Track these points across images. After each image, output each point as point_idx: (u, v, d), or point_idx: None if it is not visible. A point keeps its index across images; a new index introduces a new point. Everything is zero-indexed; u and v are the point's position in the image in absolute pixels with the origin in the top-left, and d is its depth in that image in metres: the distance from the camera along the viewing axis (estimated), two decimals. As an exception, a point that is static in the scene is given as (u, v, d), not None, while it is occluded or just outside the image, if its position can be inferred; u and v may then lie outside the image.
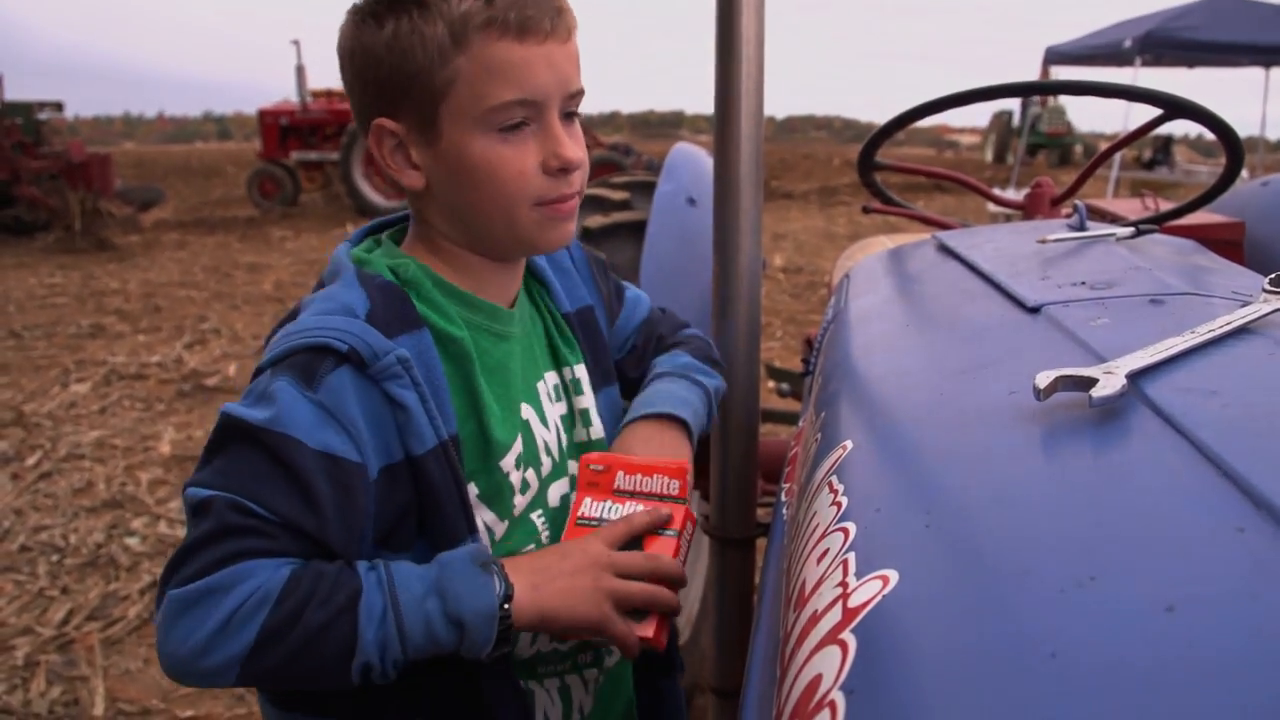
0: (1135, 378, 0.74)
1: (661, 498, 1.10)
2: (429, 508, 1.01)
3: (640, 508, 1.09)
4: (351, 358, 0.96)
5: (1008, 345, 0.95)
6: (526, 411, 1.14)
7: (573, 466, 1.19)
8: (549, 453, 1.17)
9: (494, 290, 1.14)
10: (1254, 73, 15.60)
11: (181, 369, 6.51)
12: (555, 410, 1.20)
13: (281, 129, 15.94)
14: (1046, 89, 1.93)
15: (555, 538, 1.14)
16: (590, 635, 1.03)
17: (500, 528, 1.09)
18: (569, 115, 1.08)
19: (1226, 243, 2.54)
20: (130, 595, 3.52)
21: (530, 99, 1.02)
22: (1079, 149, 23.69)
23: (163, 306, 8.68)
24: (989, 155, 24.22)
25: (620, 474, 1.11)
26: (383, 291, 1.04)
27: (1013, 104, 22.43)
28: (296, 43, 15.83)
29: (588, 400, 1.24)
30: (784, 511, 1.13)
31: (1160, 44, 13.29)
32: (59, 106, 14.54)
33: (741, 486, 1.56)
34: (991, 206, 12.39)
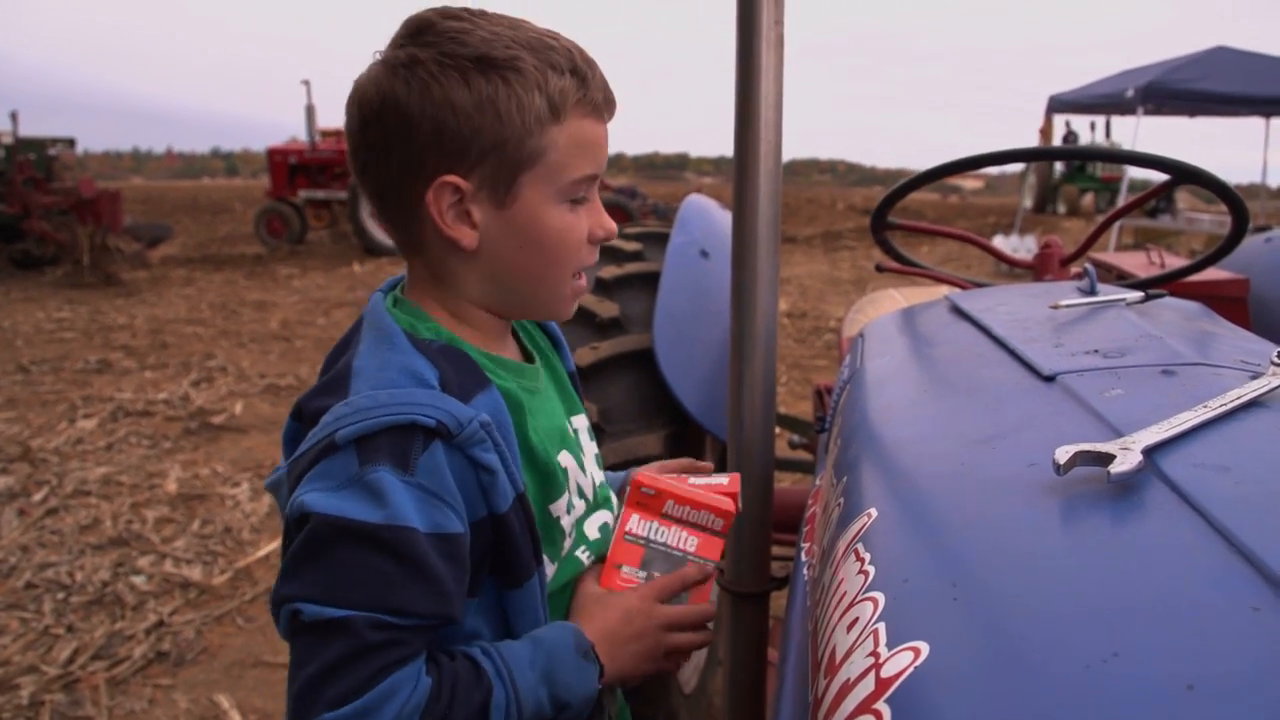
0: (1150, 453, 0.77)
1: (704, 529, 1.17)
2: (507, 555, 1.04)
3: (684, 534, 1.17)
4: (440, 432, 0.96)
5: (1025, 414, 0.98)
6: (565, 459, 1.17)
7: (602, 502, 1.25)
8: (582, 495, 1.20)
9: (505, 349, 1.18)
10: (1254, 122, 15.76)
11: (188, 406, 6.53)
12: (588, 451, 1.26)
13: (290, 168, 16.10)
14: (1060, 155, 1.97)
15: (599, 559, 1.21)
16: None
17: (552, 569, 1.13)
18: None
19: (1232, 299, 2.57)
20: (136, 635, 3.53)
21: (595, 174, 1.09)
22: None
23: (170, 343, 8.72)
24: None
25: (670, 502, 1.16)
26: (445, 355, 1.04)
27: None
28: (306, 83, 16.04)
29: (592, 448, 1.29)
30: (805, 572, 1.16)
31: (1162, 94, 13.48)
32: (71, 143, 14.70)
33: (756, 541, 1.58)
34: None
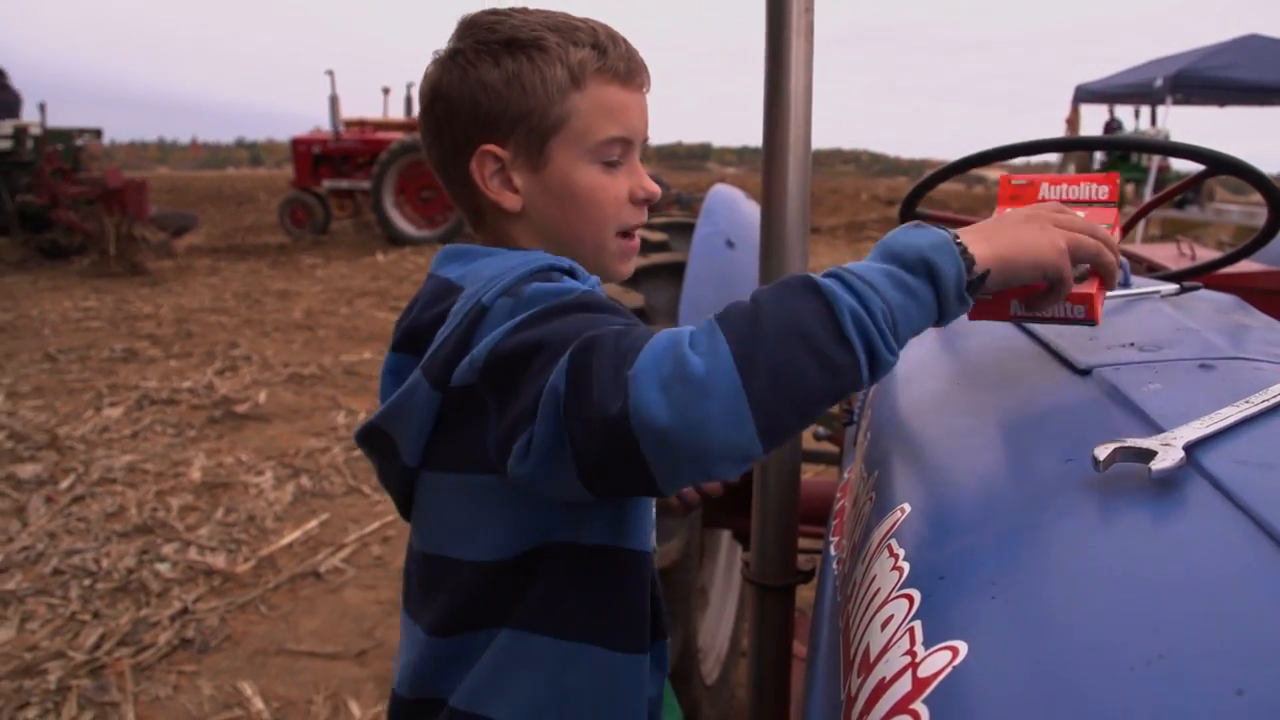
0: (1191, 449, 0.75)
1: (1090, 203, 1.09)
2: None
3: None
4: (571, 273, 1.06)
5: (1061, 408, 0.96)
6: None
7: None
8: None
9: None
10: (1286, 113, 15.54)
11: (213, 395, 6.56)
12: None
13: (314, 158, 16.14)
14: (1093, 144, 1.94)
15: None
16: (1041, 277, 0.99)
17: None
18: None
19: (1265, 291, 2.53)
20: (161, 621, 3.55)
21: (627, 137, 1.16)
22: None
23: (194, 332, 8.77)
24: None
25: (1044, 185, 1.11)
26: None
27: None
28: (331, 73, 16.06)
29: None
30: (834, 566, 1.14)
31: (1191, 83, 13.29)
32: (98, 134, 14.77)
33: (782, 533, 1.57)
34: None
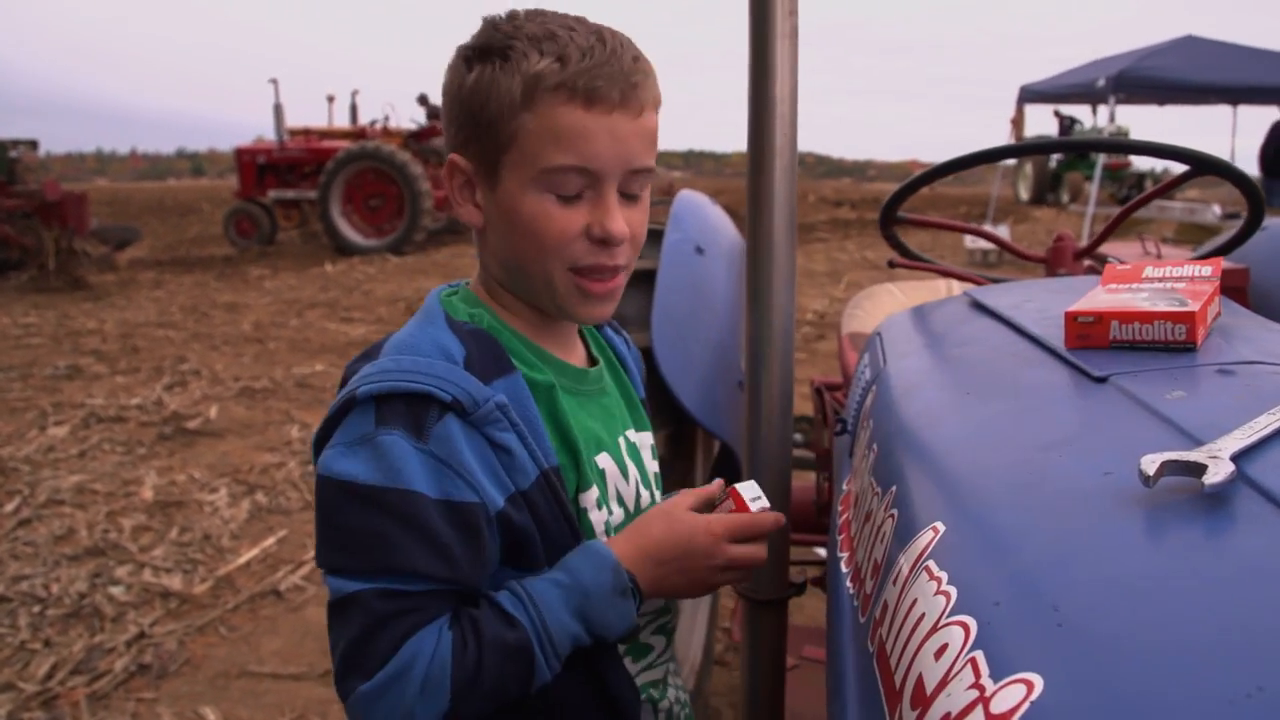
0: (1237, 460, 0.73)
1: (1192, 279, 1.24)
2: (542, 531, 1.06)
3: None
4: (454, 407, 0.99)
5: (1083, 419, 0.94)
6: (604, 461, 1.17)
7: None
8: (622, 503, 1.19)
9: (558, 347, 1.19)
10: (1222, 110, 15.91)
11: (162, 411, 6.41)
12: (649, 468, 1.28)
13: (259, 167, 15.91)
14: (1075, 146, 1.94)
15: None
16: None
17: None
18: (630, 195, 1.10)
19: (1232, 289, 2.55)
20: (116, 647, 3.44)
21: (587, 168, 1.04)
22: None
23: (141, 347, 8.57)
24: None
25: (1148, 268, 1.28)
26: (475, 338, 1.07)
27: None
28: (275, 81, 15.85)
29: (653, 466, 1.30)
30: (847, 585, 1.11)
31: (1133, 83, 13.60)
32: (33, 145, 14.41)
33: (775, 545, 1.53)
34: (969, 241, 12.38)
